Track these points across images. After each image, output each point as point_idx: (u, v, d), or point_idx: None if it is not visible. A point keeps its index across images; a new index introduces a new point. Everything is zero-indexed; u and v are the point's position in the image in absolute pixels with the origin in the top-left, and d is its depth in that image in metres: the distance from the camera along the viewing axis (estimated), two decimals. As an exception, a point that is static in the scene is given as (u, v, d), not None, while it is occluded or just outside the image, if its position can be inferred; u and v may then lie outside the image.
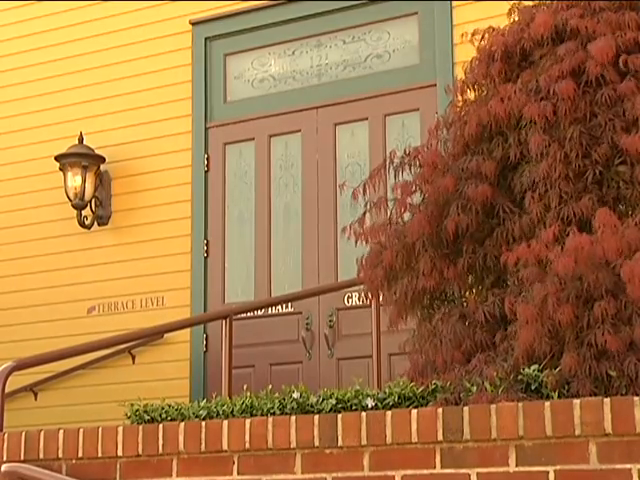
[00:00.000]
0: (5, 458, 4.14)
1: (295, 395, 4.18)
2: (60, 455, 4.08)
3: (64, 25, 8.87)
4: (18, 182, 8.74)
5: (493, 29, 4.22)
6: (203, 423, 3.89)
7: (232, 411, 4.22)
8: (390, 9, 7.85)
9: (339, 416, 3.67)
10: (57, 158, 8.27)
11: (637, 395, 3.31)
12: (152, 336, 7.64)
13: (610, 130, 3.74)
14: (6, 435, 4.21)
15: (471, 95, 4.25)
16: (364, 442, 3.60)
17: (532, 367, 3.60)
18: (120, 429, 4.01)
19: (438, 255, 3.99)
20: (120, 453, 3.97)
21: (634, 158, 3.66)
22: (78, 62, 8.74)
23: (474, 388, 3.69)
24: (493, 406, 3.42)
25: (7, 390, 4.61)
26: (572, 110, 3.77)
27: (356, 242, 4.21)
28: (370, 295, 4.42)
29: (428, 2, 7.69)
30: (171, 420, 4.25)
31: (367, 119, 7.84)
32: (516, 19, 4.22)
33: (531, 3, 4.26)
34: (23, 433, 4.18)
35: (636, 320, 3.40)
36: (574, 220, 3.64)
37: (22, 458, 4.12)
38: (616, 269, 3.41)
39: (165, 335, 7.69)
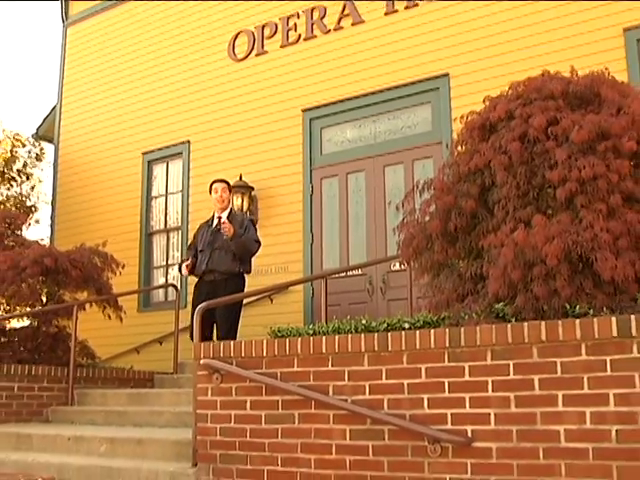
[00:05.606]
0: (202, 356, 4.26)
1: (363, 321, 4.18)
2: (232, 355, 4.15)
3: (223, 116, 9.00)
4: (208, 203, 8.89)
5: (472, 112, 4.19)
6: (311, 338, 3.93)
7: (327, 331, 4.25)
8: (414, 100, 7.82)
9: (389, 334, 3.69)
10: (228, 189, 8.43)
11: (559, 320, 3.29)
12: (282, 288, 7.73)
13: (542, 168, 3.69)
14: (202, 344, 4.32)
15: (461, 149, 4.23)
16: (403, 348, 3.62)
17: (499, 304, 3.60)
18: (264, 341, 4.07)
19: (445, 241, 3.97)
20: (264, 354, 4.04)
21: (555, 184, 3.61)
22: (236, 136, 8.87)
23: (466, 317, 3.67)
24: (477, 327, 3.44)
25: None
26: (520, 157, 3.74)
27: (399, 235, 4.22)
28: (405, 264, 4.41)
29: (437, 96, 7.65)
30: (293, 336, 4.29)
31: (402, 163, 7.80)
32: (487, 104, 4.18)
33: (495, 95, 4.22)
34: (211, 343, 4.29)
35: (556, 277, 3.38)
36: (521, 220, 3.61)
37: (211, 356, 4.22)
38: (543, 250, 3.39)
39: (289, 288, 7.76)
